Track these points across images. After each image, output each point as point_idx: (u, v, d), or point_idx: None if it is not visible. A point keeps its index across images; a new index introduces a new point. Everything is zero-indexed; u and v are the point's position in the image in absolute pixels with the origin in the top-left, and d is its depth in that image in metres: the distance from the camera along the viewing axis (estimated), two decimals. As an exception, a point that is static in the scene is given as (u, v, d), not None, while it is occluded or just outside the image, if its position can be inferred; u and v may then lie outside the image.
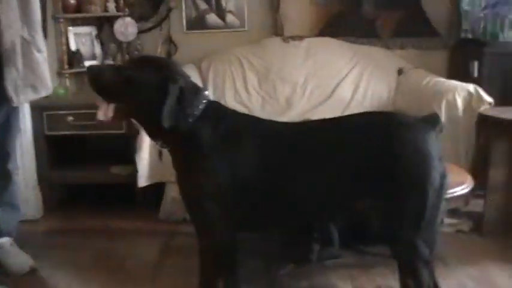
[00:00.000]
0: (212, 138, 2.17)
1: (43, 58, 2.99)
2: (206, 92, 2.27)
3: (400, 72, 4.30)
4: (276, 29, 4.56)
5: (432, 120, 2.22)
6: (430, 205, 2.12)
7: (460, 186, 2.77)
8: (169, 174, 3.62)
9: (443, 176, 2.14)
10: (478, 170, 3.60)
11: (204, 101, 2.20)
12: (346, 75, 4.24)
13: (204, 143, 2.17)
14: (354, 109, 4.08)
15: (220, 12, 4.58)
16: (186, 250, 3.33)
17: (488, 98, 3.57)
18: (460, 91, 3.58)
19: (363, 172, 2.11)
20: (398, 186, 2.11)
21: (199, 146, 2.18)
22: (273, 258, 3.10)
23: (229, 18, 4.58)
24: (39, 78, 2.96)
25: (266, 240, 3.37)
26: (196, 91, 2.22)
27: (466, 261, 3.12)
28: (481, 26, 4.31)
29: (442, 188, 2.14)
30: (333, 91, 4.20)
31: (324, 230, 2.96)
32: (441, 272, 2.98)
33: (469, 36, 4.44)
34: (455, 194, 2.73)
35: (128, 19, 4.37)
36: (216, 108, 2.26)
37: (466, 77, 4.00)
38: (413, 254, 2.18)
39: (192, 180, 2.24)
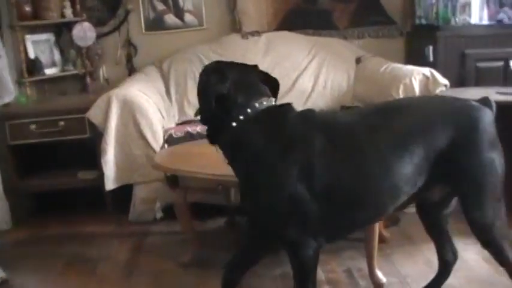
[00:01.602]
0: (259, 145, 2.02)
1: (3, 64, 2.98)
2: (265, 100, 2.08)
3: (358, 61, 4.38)
4: (235, 26, 4.60)
5: (489, 103, 2.22)
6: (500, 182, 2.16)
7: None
8: (137, 176, 3.65)
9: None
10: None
11: (255, 106, 2.04)
12: (306, 67, 4.31)
13: (250, 149, 2.03)
14: (316, 99, 4.17)
15: (179, 12, 4.60)
16: (158, 250, 3.36)
17: (444, 80, 3.67)
18: (416, 75, 3.67)
19: (444, 157, 2.06)
20: (481, 168, 2.11)
21: (244, 152, 2.05)
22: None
23: (188, 17, 4.61)
24: (1, 84, 2.95)
25: (236, 232, 3.41)
26: (241, 96, 2.05)
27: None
28: (434, 12, 4.41)
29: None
30: (294, 83, 4.26)
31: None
32: (409, 249, 3.09)
33: (423, 22, 4.54)
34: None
35: (86, 24, 4.36)
36: (274, 113, 2.08)
37: (422, 62, 4.11)
38: (498, 233, 2.20)
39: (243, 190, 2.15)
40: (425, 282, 2.69)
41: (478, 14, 4.42)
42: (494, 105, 2.23)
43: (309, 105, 4.13)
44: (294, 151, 2.00)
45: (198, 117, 2.19)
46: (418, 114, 2.13)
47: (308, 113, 2.15)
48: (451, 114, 2.13)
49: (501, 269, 2.81)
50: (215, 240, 3.43)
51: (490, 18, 4.47)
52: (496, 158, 2.13)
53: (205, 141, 3.53)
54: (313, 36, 4.57)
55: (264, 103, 2.06)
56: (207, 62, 4.25)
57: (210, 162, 2.99)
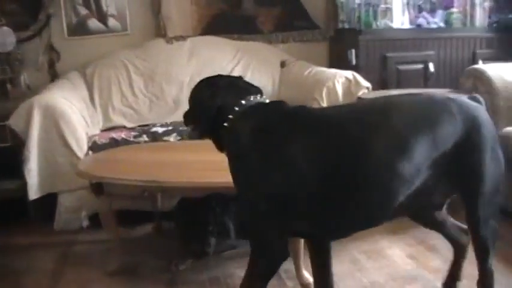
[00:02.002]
0: (243, 141, 2.00)
1: None
2: (252, 97, 2.07)
3: (282, 65, 4.45)
4: (159, 31, 4.57)
5: (479, 101, 2.22)
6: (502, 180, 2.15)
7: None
8: (61, 184, 3.58)
9: None
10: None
11: (242, 104, 2.04)
12: (231, 71, 4.33)
13: (236, 146, 2.03)
14: (241, 103, 4.18)
15: (102, 17, 4.53)
16: (84, 259, 3.29)
17: (366, 83, 3.78)
18: (339, 78, 3.77)
19: (449, 157, 2.01)
20: (482, 166, 2.08)
21: (232, 150, 2.06)
22: (172, 255, 3.12)
23: (111, 22, 4.55)
24: None
25: (164, 238, 3.39)
26: (230, 97, 2.06)
27: (358, 238, 3.24)
28: (356, 16, 4.52)
29: None
30: (220, 88, 4.27)
31: (219, 223, 3.01)
32: (335, 249, 3.13)
33: (346, 26, 4.64)
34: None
35: (5, 28, 4.23)
36: (262, 109, 2.06)
37: (345, 65, 4.22)
38: (489, 231, 2.17)
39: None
40: (352, 281, 2.76)
41: (399, 19, 4.57)
42: (484, 103, 2.23)
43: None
44: (278, 149, 1.95)
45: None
46: (421, 112, 2.04)
47: (298, 110, 2.08)
48: (458, 112, 2.04)
49: (424, 264, 2.95)
50: (143, 246, 3.40)
51: (411, 22, 4.64)
52: (500, 154, 2.13)
53: (130, 147, 3.56)
54: (238, 40, 4.60)
55: (251, 99, 2.07)
56: (131, 67, 4.29)
57: (135, 168, 2.99)
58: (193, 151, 3.27)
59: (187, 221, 3.09)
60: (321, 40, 4.84)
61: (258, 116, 2.03)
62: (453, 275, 2.55)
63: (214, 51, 4.42)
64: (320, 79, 3.86)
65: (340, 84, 3.74)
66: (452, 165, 2.03)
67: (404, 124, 1.97)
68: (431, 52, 4.49)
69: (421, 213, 2.41)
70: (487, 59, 4.52)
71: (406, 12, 4.63)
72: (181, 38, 4.48)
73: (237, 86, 2.14)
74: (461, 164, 2.05)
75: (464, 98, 2.17)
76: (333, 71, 3.98)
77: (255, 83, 4.14)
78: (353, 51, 4.27)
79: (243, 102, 2.05)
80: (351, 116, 2.03)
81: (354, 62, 4.26)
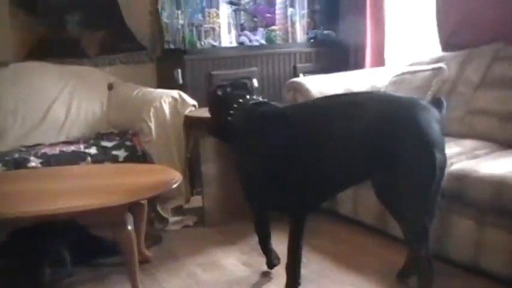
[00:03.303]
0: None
1: None
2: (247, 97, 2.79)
3: (110, 87, 4.43)
4: (-23, 57, 4.35)
5: (439, 104, 2.42)
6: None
7: (171, 182, 2.94)
8: None
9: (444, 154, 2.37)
10: (193, 168, 3.91)
11: (239, 102, 2.75)
12: (57, 96, 4.22)
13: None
14: (70, 128, 4.14)
15: None
16: None
17: (192, 101, 3.91)
18: (166, 98, 3.85)
19: (383, 149, 2.33)
20: (416, 163, 2.28)
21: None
22: (5, 290, 3.02)
23: None
24: None
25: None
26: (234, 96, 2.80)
27: (194, 252, 3.37)
28: (181, 36, 4.64)
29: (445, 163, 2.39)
30: (46, 114, 4.14)
31: (53, 252, 2.97)
32: (173, 266, 3.21)
33: (172, 46, 4.74)
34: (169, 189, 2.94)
35: None
36: (247, 106, 2.74)
37: (172, 85, 4.30)
38: (421, 230, 2.36)
39: None
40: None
41: (226, 38, 4.77)
42: (445, 106, 2.43)
43: (63, 135, 4.10)
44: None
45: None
46: (369, 111, 2.40)
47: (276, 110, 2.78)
48: (394, 111, 2.37)
49: (258, 269, 3.10)
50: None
51: (236, 41, 4.84)
52: (428, 156, 2.30)
53: None
54: (63, 65, 4.48)
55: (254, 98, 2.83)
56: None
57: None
58: (21, 180, 3.19)
59: (19, 252, 3.01)
60: (148, 61, 4.88)
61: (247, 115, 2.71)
62: None
63: (39, 76, 4.28)
64: (147, 100, 3.91)
65: (167, 103, 3.81)
66: (381, 155, 2.35)
67: (360, 117, 2.39)
68: (254, 68, 4.71)
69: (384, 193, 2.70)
70: (307, 72, 4.84)
71: (233, 31, 4.83)
72: (3, 63, 4.29)
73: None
74: (391, 158, 2.33)
75: (410, 99, 2.50)
76: (160, 91, 4.04)
77: (83, 106, 4.24)
78: (179, 70, 4.37)
79: (248, 97, 2.77)
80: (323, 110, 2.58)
81: (180, 81, 4.36)
